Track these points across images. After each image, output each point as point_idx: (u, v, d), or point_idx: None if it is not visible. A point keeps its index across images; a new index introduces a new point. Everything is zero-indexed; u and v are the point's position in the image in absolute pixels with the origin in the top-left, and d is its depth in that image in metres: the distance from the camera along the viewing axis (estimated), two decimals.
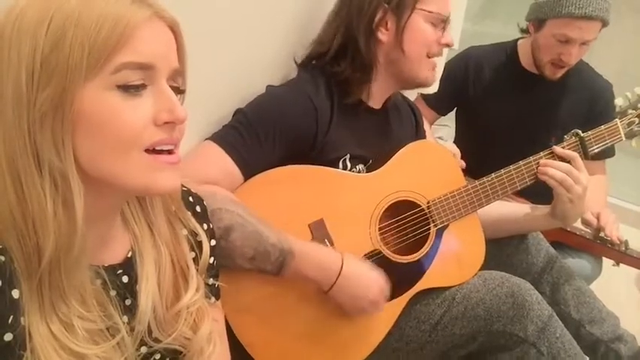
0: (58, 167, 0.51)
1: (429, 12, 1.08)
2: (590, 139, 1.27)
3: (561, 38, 1.48)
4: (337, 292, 0.99)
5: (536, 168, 1.22)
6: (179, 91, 0.60)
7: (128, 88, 0.53)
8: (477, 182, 1.19)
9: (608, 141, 1.29)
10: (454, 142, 1.89)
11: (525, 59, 1.65)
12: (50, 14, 0.50)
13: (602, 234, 1.51)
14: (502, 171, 1.21)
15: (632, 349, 1.36)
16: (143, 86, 0.54)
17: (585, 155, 1.26)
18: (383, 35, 1.08)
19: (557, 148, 1.23)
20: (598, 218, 1.51)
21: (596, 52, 1.63)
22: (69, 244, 0.53)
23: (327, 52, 1.11)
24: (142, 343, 0.65)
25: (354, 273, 0.99)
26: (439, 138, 1.93)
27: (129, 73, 0.53)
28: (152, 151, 0.56)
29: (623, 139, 1.31)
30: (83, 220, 0.53)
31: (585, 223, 1.53)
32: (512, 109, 1.65)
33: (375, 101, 1.17)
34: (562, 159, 1.22)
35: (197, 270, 0.70)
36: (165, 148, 0.57)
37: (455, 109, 1.82)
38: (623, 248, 1.49)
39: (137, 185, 0.56)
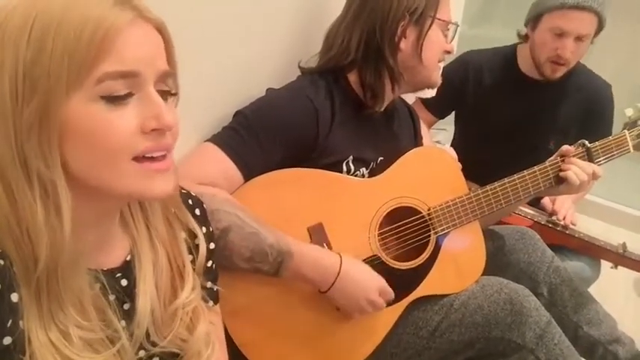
0: (47, 175, 0.51)
1: (443, 21, 1.10)
2: (597, 150, 1.26)
3: (556, 31, 1.48)
4: (335, 293, 0.99)
5: (541, 179, 1.23)
6: (170, 94, 0.59)
7: (113, 99, 0.52)
8: (479, 190, 1.19)
9: (615, 152, 1.29)
10: (452, 144, 1.89)
11: (524, 64, 1.64)
12: (31, 23, 0.49)
13: (554, 217, 1.55)
14: (505, 180, 1.21)
15: (630, 351, 1.36)
16: (129, 94, 0.53)
17: None
18: (402, 44, 1.09)
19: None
20: (553, 202, 1.57)
21: (593, 56, 1.62)
22: (62, 251, 0.53)
23: (351, 62, 1.10)
24: (140, 347, 0.65)
25: (353, 274, 1.00)
26: (437, 142, 1.93)
27: (112, 83, 0.52)
28: (142, 158, 0.55)
29: (631, 150, 1.30)
30: (71, 226, 0.53)
31: (542, 207, 1.60)
32: (511, 114, 1.65)
33: (382, 105, 1.18)
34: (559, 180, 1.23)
35: (194, 270, 0.70)
36: (155, 155, 0.56)
37: (453, 112, 1.82)
38: (621, 250, 1.50)
39: (128, 193, 0.56)
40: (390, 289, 1.04)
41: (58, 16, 0.50)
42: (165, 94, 0.57)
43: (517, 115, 1.64)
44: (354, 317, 1.04)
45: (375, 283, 1.02)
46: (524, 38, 1.64)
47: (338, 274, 0.98)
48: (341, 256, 1.00)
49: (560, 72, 1.55)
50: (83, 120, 0.51)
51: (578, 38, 1.48)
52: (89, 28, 0.50)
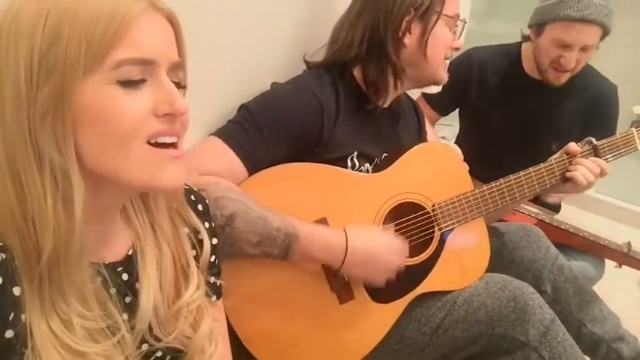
0: (60, 163, 0.51)
1: (450, 17, 1.09)
2: (604, 148, 1.25)
3: (560, 43, 1.45)
4: (348, 267, 0.99)
5: (547, 176, 1.22)
6: (180, 86, 0.60)
7: (129, 84, 0.53)
8: (484, 187, 1.18)
9: (622, 150, 1.28)
10: (456, 141, 1.88)
11: (528, 64, 1.62)
12: (46, 12, 0.50)
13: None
14: (511, 177, 1.20)
15: (635, 349, 1.36)
16: (143, 81, 0.54)
17: None
18: (406, 39, 1.08)
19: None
20: None
21: (600, 54, 1.60)
22: (68, 242, 0.53)
23: (355, 56, 1.10)
24: (143, 341, 0.65)
25: (361, 246, 0.99)
26: (442, 137, 1.93)
27: (130, 68, 0.53)
28: (155, 144, 0.55)
29: (639, 148, 1.29)
30: (82, 217, 0.53)
31: None
32: (513, 114, 1.63)
33: (385, 100, 1.17)
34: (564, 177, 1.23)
35: (198, 268, 0.71)
36: (167, 141, 0.56)
37: (457, 109, 1.81)
38: (626, 250, 1.49)
39: (141, 180, 0.56)
40: (402, 243, 1.04)
41: (72, 7, 0.51)
42: (175, 86, 0.58)
43: (520, 116, 1.63)
44: (377, 284, 1.03)
45: (384, 248, 1.02)
46: (528, 39, 1.61)
47: (346, 250, 0.98)
48: (346, 231, 0.99)
49: (564, 78, 1.52)
50: (98, 103, 0.52)
51: (583, 49, 1.45)
52: (105, 15, 0.51)
